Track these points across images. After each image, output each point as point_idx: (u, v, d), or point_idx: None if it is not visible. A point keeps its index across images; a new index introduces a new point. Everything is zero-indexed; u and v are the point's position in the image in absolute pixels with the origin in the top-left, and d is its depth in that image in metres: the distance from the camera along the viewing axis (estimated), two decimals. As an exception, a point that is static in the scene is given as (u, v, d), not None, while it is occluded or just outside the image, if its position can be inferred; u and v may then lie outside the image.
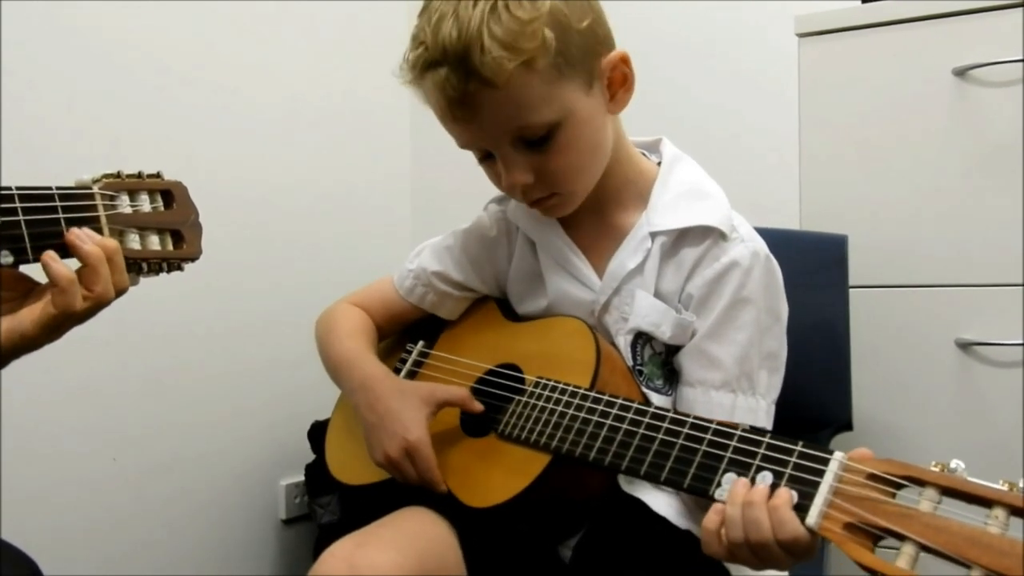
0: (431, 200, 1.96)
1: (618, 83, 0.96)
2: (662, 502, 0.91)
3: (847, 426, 1.21)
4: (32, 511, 1.30)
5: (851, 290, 1.23)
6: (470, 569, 0.96)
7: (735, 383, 0.96)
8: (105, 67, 1.39)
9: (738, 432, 0.79)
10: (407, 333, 1.20)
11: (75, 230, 0.77)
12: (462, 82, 0.88)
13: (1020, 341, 1.15)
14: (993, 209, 1.17)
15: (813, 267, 1.22)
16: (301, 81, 1.72)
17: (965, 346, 1.19)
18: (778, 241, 1.02)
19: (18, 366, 1.24)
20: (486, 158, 0.98)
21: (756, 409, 0.96)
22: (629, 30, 1.00)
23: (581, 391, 0.92)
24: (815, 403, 1.18)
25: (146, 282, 1.42)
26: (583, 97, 0.94)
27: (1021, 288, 1.15)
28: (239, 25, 1.60)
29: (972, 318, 1.18)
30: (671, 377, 1.01)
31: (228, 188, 1.57)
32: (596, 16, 0.94)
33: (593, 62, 0.94)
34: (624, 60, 0.96)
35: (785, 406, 1.00)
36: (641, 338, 1.00)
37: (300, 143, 1.72)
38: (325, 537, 1.17)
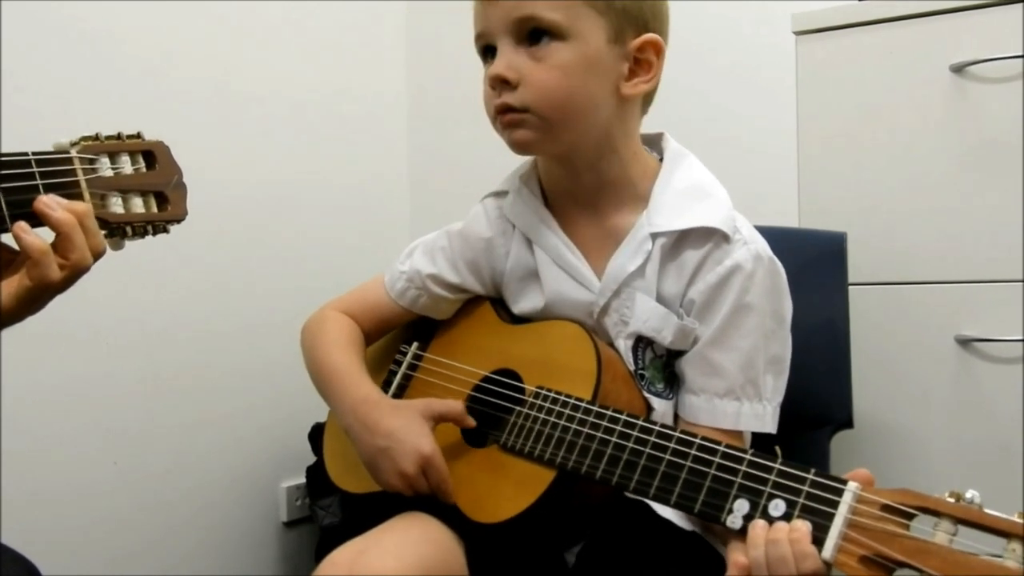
0: (430, 200, 1.95)
1: (642, 68, 0.96)
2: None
3: (847, 424, 1.20)
4: (32, 514, 1.30)
5: (850, 287, 1.22)
6: (473, 574, 0.95)
7: (740, 390, 0.95)
8: (101, 66, 1.38)
9: (747, 457, 0.78)
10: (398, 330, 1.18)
11: (43, 198, 0.73)
12: None
13: (1020, 337, 1.14)
14: (992, 205, 1.17)
15: (812, 265, 1.21)
16: (299, 81, 1.71)
17: (965, 342, 1.18)
18: (777, 239, 1.02)
19: (18, 368, 1.25)
20: (485, 60, 0.97)
21: (763, 415, 0.96)
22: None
23: (584, 404, 0.90)
24: (815, 401, 1.18)
25: (145, 284, 1.43)
26: (602, 43, 0.93)
27: (1021, 284, 1.15)
28: (237, 24, 1.60)
29: (972, 314, 1.18)
30: (672, 380, 1.00)
31: (228, 188, 1.56)
32: (657, 2, 0.96)
33: (627, 25, 0.94)
34: (656, 47, 0.96)
35: (786, 404, 0.99)
36: (642, 342, 0.99)
37: (299, 143, 1.71)
38: (327, 539, 1.17)
